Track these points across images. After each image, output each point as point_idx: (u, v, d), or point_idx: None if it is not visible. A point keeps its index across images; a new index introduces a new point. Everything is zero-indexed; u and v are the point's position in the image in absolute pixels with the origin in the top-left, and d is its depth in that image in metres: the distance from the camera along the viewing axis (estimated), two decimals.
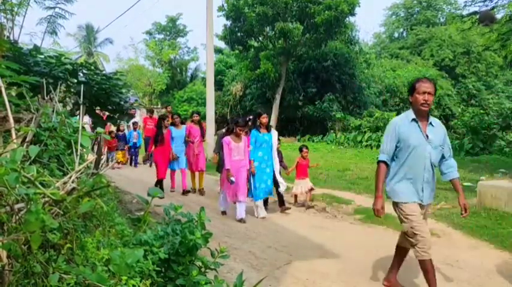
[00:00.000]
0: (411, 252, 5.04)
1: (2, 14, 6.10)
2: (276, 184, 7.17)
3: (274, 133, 7.36)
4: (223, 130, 8.54)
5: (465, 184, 9.18)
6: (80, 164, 2.31)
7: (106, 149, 11.71)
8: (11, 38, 6.31)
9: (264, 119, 7.13)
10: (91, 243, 2.03)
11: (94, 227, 2.56)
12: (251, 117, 8.23)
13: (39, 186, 1.69)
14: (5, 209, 1.62)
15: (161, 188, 8.24)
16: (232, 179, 6.59)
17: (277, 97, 22.64)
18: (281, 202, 7.30)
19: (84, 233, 2.24)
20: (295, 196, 7.95)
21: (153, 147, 8.85)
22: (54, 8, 7.77)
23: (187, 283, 2.15)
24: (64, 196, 1.78)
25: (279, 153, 7.64)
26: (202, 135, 9.24)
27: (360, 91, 23.89)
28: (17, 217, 1.64)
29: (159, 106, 30.49)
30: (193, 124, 9.16)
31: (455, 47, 29.98)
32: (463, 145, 15.00)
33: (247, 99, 25.52)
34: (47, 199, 1.73)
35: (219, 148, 8.08)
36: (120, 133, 13.39)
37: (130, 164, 13.74)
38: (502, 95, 29.76)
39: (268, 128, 7.26)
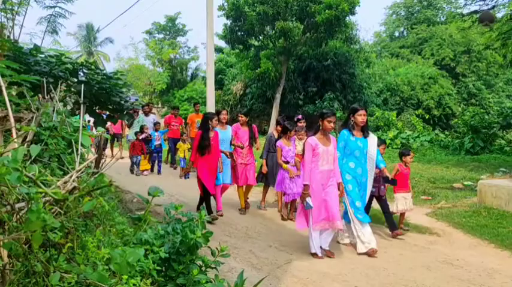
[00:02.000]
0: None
1: (2, 13, 6.10)
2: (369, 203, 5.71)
3: (373, 138, 5.52)
4: (273, 131, 7.50)
5: (465, 183, 9.19)
6: (80, 163, 2.31)
7: (131, 153, 11.36)
8: (12, 37, 6.31)
9: (360, 117, 5.27)
10: (92, 242, 2.03)
11: (95, 226, 2.56)
12: (299, 117, 7.65)
13: (41, 185, 1.69)
14: (5, 209, 1.63)
15: (208, 209, 6.48)
16: (310, 202, 4.83)
17: (278, 96, 22.61)
18: (391, 224, 5.85)
19: (85, 233, 2.24)
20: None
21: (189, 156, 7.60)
22: (54, 7, 7.77)
23: (187, 282, 2.15)
24: (65, 195, 1.79)
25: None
26: (253, 139, 7.45)
27: (360, 90, 23.85)
28: (18, 216, 1.65)
29: (159, 105, 30.50)
30: (239, 125, 7.46)
31: (455, 46, 29.93)
32: (463, 144, 14.98)
33: (248, 99, 25.51)
34: (47, 198, 1.74)
35: (267, 153, 7.25)
36: (145, 136, 11.71)
37: (152, 169, 11.93)
38: (502, 94, 29.72)
39: (364, 130, 5.40)
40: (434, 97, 25.41)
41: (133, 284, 1.83)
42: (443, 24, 33.42)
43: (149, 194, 2.32)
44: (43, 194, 1.66)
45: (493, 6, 13.08)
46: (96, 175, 2.08)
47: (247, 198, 7.44)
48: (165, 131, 12.35)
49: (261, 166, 7.30)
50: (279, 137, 7.07)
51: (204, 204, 6.59)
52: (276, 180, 7.03)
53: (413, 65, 28.63)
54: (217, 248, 2.33)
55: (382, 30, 39.44)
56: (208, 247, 2.32)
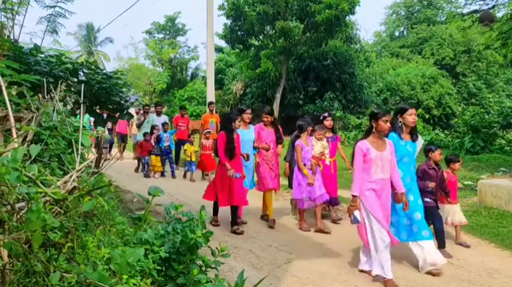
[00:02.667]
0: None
1: (2, 13, 6.10)
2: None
3: (420, 142, 4.83)
4: (296, 132, 6.69)
5: (466, 182, 9.19)
6: (80, 163, 2.31)
7: (139, 152, 10.98)
8: (12, 37, 6.30)
9: (410, 117, 4.57)
10: (92, 242, 2.03)
11: (95, 226, 2.56)
12: (325, 115, 6.89)
13: (41, 185, 1.69)
14: (6, 208, 1.62)
15: (234, 218, 6.02)
16: (358, 215, 4.23)
17: (278, 96, 22.63)
18: (443, 241, 5.02)
19: (85, 232, 2.25)
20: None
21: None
22: (54, 7, 7.76)
23: (188, 281, 2.15)
24: (65, 195, 1.79)
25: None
26: (280, 141, 6.75)
27: (360, 90, 23.87)
28: (18, 216, 1.65)
29: (150, 105, 30.51)
30: (263, 125, 6.71)
31: (455, 46, 29.92)
32: (463, 144, 14.99)
33: (248, 98, 25.52)
34: (47, 198, 1.74)
35: (290, 156, 6.63)
36: (154, 136, 11.20)
37: (162, 174, 11.28)
38: (502, 94, 29.72)
39: (413, 133, 4.71)
40: (435, 97, 25.40)
41: (134, 284, 1.83)
42: (443, 23, 33.41)
43: (149, 194, 2.32)
44: (43, 194, 1.66)
45: (493, 6, 13.08)
46: (96, 175, 2.08)
47: (273, 219, 6.50)
48: (173, 132, 11.89)
49: (284, 170, 6.79)
50: (297, 137, 6.42)
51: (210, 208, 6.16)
52: (293, 186, 6.38)
53: (414, 65, 28.63)
54: (217, 248, 2.32)
55: (382, 30, 39.48)
56: (209, 247, 2.32)
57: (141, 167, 11.36)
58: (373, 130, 4.32)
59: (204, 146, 10.14)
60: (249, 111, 6.58)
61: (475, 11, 13.37)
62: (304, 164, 6.18)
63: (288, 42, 21.90)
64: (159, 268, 2.10)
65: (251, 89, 25.25)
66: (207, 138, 10.20)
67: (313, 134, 6.45)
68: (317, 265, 4.69)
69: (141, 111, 12.74)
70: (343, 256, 5.04)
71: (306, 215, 6.36)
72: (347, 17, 21.12)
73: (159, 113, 11.96)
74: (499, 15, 13.44)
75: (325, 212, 6.77)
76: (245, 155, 6.22)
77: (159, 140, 10.97)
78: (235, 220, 6.02)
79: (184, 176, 10.63)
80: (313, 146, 6.39)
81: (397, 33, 38.21)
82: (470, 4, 13.98)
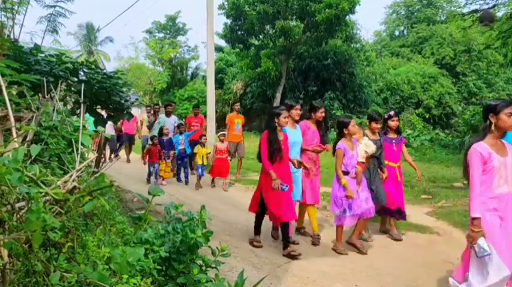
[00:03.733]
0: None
1: (2, 12, 6.10)
2: None
3: None
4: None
5: (466, 182, 9.19)
6: (80, 163, 2.31)
7: (147, 159, 9.64)
8: (12, 36, 6.30)
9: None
10: (92, 242, 2.04)
11: (95, 225, 2.56)
12: (391, 114, 5.97)
13: (41, 185, 1.69)
14: (6, 208, 1.62)
15: (286, 238, 5.04)
16: (484, 245, 3.14)
17: (278, 95, 22.63)
18: None
19: (85, 232, 2.25)
20: None
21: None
22: (54, 6, 7.75)
23: (188, 281, 2.16)
24: (65, 195, 1.79)
25: None
26: (325, 142, 5.84)
27: (360, 89, 23.88)
28: (18, 216, 1.65)
29: (160, 104, 30.51)
30: (309, 123, 5.72)
31: (455, 45, 29.93)
32: (463, 143, 15.00)
33: (248, 98, 25.52)
34: (48, 197, 1.74)
35: None
36: (165, 138, 9.77)
37: (178, 178, 10.12)
38: (502, 93, 29.68)
39: None
40: (435, 96, 25.41)
41: (134, 284, 1.83)
42: (443, 23, 33.41)
43: (149, 193, 2.32)
44: (43, 193, 1.66)
45: (494, 5, 13.09)
46: (97, 175, 2.08)
47: (318, 234, 5.60)
48: (190, 134, 10.67)
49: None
50: (339, 137, 5.24)
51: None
52: (331, 200, 5.32)
53: (414, 64, 28.64)
54: (217, 248, 2.33)
55: (383, 29, 39.46)
56: (209, 247, 2.32)
57: (147, 174, 9.88)
58: (492, 128, 3.33)
59: (218, 150, 9.19)
60: (298, 106, 5.59)
61: (475, 11, 13.39)
62: (347, 172, 5.07)
63: (288, 42, 21.90)
64: (159, 267, 2.10)
65: (251, 88, 25.25)
66: (222, 141, 9.31)
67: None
68: (317, 264, 4.69)
69: (151, 112, 12.14)
70: (343, 255, 5.04)
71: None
72: (347, 17, 21.13)
73: (168, 114, 11.00)
74: (499, 14, 13.45)
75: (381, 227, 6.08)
76: (295, 162, 5.24)
77: (170, 143, 9.79)
78: (288, 240, 5.03)
79: (198, 184, 9.32)
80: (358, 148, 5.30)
81: (397, 33, 38.20)
82: (471, 4, 13.99)
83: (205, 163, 9.35)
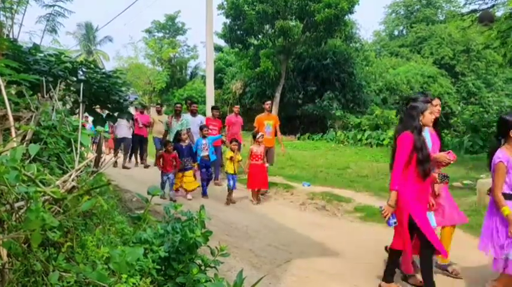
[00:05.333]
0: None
1: (1, 11, 6.09)
2: None
3: None
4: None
5: (465, 182, 9.19)
6: (79, 162, 2.31)
7: (161, 166, 8.02)
8: (11, 36, 6.29)
9: None
10: (91, 241, 2.03)
11: (94, 225, 2.56)
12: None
13: (40, 184, 1.69)
14: (5, 208, 1.62)
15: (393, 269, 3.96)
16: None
17: (277, 95, 22.64)
18: None
19: (84, 232, 2.24)
20: None
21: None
22: (53, 6, 7.74)
23: (187, 281, 2.15)
24: (64, 194, 1.78)
25: None
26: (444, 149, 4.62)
27: (359, 89, 23.91)
28: (17, 215, 1.65)
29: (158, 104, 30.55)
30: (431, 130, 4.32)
31: (455, 45, 29.99)
32: (462, 143, 15.00)
33: (247, 97, 25.54)
34: (47, 197, 1.73)
35: None
36: (183, 144, 8.16)
37: (204, 191, 8.29)
38: (501, 93, 29.79)
39: None
40: (434, 96, 25.45)
41: (133, 283, 1.83)
42: (442, 23, 33.47)
43: (148, 193, 2.32)
44: (42, 193, 1.66)
45: (493, 5, 13.10)
46: (96, 174, 2.08)
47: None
48: (216, 138, 9.14)
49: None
50: (498, 144, 3.69)
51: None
52: (481, 235, 3.99)
53: (413, 64, 28.67)
54: (216, 248, 2.32)
55: (382, 29, 39.55)
56: (208, 246, 2.32)
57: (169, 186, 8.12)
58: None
59: (253, 154, 7.87)
60: (437, 101, 4.46)
61: (474, 11, 13.40)
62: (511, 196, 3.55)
63: (287, 42, 21.92)
64: (158, 267, 2.10)
65: (250, 88, 25.27)
66: (259, 143, 7.96)
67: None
68: (316, 264, 4.69)
69: (171, 115, 9.59)
70: (342, 255, 5.04)
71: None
72: (346, 16, 21.17)
73: (194, 113, 9.57)
74: (498, 14, 13.46)
75: None
76: (435, 176, 4.23)
77: (190, 150, 8.27)
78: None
79: (229, 198, 7.80)
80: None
81: (396, 33, 38.24)
82: (470, 4, 14.00)
83: (236, 171, 7.96)
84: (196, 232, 2.22)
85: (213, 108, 10.56)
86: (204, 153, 8.33)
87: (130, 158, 12.85)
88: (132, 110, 11.39)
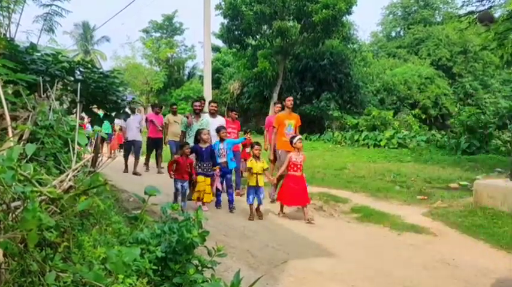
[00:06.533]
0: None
1: None
2: None
3: None
4: None
5: (461, 183, 9.22)
6: (76, 162, 2.31)
7: (172, 173, 6.88)
8: (8, 35, 6.27)
9: None
10: (88, 241, 2.03)
11: (91, 225, 2.55)
12: None
13: (36, 184, 1.68)
14: (1, 208, 1.62)
15: None
16: None
17: (275, 96, 22.66)
18: None
19: (81, 232, 2.24)
20: None
21: None
22: (50, 5, 7.72)
23: (184, 281, 2.15)
24: (61, 194, 1.78)
25: None
26: None
27: (356, 90, 23.95)
28: (14, 215, 1.64)
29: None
30: None
31: (452, 47, 30.08)
32: (459, 144, 15.04)
33: (245, 98, 25.55)
34: (43, 197, 1.73)
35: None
36: (203, 146, 6.94)
37: (217, 201, 7.21)
38: (498, 95, 29.88)
39: None
40: (431, 97, 25.54)
41: (130, 284, 1.83)
42: (440, 24, 33.58)
43: (145, 193, 2.32)
44: (39, 193, 1.66)
45: (490, 7, 13.15)
46: (92, 174, 2.07)
47: None
48: (237, 142, 8.11)
49: None
50: None
51: None
52: None
53: (410, 65, 28.76)
54: (213, 248, 2.32)
55: (379, 30, 39.66)
56: (205, 247, 2.32)
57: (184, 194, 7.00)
58: None
59: (292, 163, 6.62)
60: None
61: (472, 12, 13.44)
62: None
63: (285, 42, 21.95)
64: (155, 267, 2.10)
65: (248, 88, 25.29)
66: (299, 150, 6.70)
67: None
68: (314, 264, 4.69)
69: (191, 115, 8.19)
70: (339, 255, 5.05)
71: None
72: (344, 17, 21.21)
73: (213, 113, 8.29)
74: (495, 16, 13.50)
75: None
76: None
77: (211, 153, 7.05)
78: None
79: (253, 215, 6.58)
80: None
81: (393, 34, 38.34)
82: (467, 5, 14.04)
83: (261, 183, 6.62)
84: (193, 232, 2.22)
85: (231, 109, 9.56)
86: (222, 159, 7.18)
87: (146, 164, 11.80)
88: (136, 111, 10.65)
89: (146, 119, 11.85)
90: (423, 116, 24.61)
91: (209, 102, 8.70)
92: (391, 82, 26.15)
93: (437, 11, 36.49)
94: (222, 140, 7.30)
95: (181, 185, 6.80)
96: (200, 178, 6.79)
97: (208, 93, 13.86)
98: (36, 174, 1.72)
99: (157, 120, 11.42)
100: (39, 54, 5.02)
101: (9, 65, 3.05)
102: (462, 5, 14.51)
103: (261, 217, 6.61)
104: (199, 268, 2.25)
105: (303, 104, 23.17)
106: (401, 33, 37.24)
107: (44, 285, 1.65)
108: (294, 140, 6.68)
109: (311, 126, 23.45)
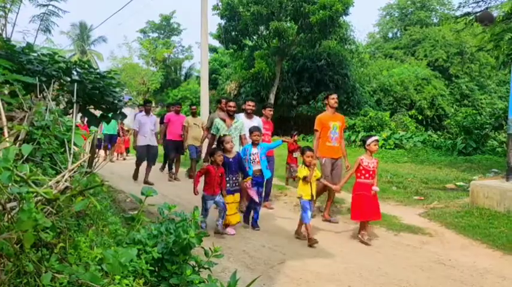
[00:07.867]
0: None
1: None
2: None
3: None
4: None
5: (458, 183, 9.25)
6: (73, 163, 2.30)
7: (198, 184, 5.74)
8: (4, 35, 6.25)
9: None
10: (84, 242, 2.02)
11: (87, 226, 2.55)
12: None
13: (32, 185, 1.68)
14: None
15: None
16: None
17: (272, 96, 22.67)
18: None
19: (77, 232, 2.23)
20: None
21: None
22: (47, 5, 7.71)
23: (181, 282, 2.15)
24: (57, 195, 1.78)
25: None
26: None
27: (353, 91, 23.98)
28: (9, 216, 1.63)
29: (153, 105, 30.46)
30: None
31: (448, 48, 30.17)
32: (455, 145, 15.09)
33: (242, 98, 25.50)
34: (39, 197, 1.72)
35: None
36: (230, 156, 5.75)
37: (246, 214, 6.24)
38: (494, 96, 29.98)
39: None
40: (427, 98, 25.59)
41: (126, 285, 1.82)
42: (436, 25, 33.68)
43: (142, 194, 2.32)
44: (35, 193, 1.65)
45: (486, 8, 13.19)
46: (89, 175, 2.07)
47: None
48: (273, 146, 6.79)
49: None
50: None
51: None
52: None
53: (407, 66, 28.82)
54: (210, 248, 2.32)
55: (376, 31, 39.69)
56: (202, 247, 2.32)
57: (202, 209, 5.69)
58: None
59: (364, 168, 5.51)
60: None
61: (468, 13, 13.48)
62: None
63: (282, 43, 21.96)
64: (151, 268, 2.09)
65: (245, 89, 25.27)
66: (371, 153, 5.60)
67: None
68: (310, 265, 4.69)
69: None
70: (336, 256, 5.05)
71: None
72: (341, 18, 21.22)
73: (249, 114, 7.16)
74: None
75: None
76: None
77: (239, 163, 5.87)
78: None
79: (313, 240, 5.27)
80: None
81: (390, 35, 38.42)
82: (463, 6, 14.09)
83: (304, 194, 5.48)
84: (190, 233, 2.22)
85: (266, 107, 8.03)
86: (256, 167, 5.98)
87: (170, 170, 10.46)
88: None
89: (161, 120, 10.66)
90: (420, 117, 24.67)
91: (246, 101, 7.48)
92: (387, 83, 26.19)
93: (433, 13, 36.59)
94: (254, 143, 6.11)
95: (215, 201, 5.56)
96: (230, 198, 5.67)
97: (205, 93, 13.85)
98: (32, 174, 1.71)
99: (178, 122, 10.07)
100: (35, 54, 5.00)
101: (5, 65, 3.05)
102: (459, 7, 14.56)
103: (312, 242, 5.22)
104: (196, 268, 2.25)
105: (299, 105, 23.18)
106: (398, 34, 37.32)
107: (40, 286, 1.64)
108: (368, 141, 5.59)
109: (308, 126, 23.44)
